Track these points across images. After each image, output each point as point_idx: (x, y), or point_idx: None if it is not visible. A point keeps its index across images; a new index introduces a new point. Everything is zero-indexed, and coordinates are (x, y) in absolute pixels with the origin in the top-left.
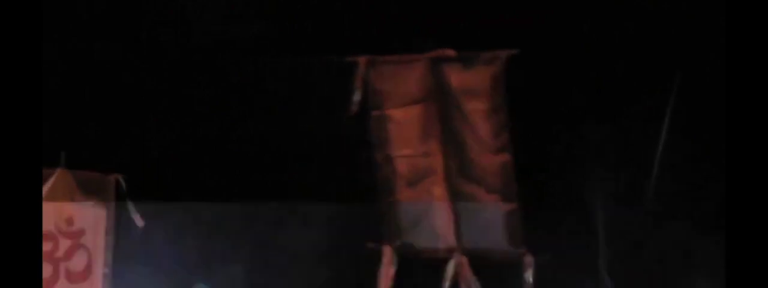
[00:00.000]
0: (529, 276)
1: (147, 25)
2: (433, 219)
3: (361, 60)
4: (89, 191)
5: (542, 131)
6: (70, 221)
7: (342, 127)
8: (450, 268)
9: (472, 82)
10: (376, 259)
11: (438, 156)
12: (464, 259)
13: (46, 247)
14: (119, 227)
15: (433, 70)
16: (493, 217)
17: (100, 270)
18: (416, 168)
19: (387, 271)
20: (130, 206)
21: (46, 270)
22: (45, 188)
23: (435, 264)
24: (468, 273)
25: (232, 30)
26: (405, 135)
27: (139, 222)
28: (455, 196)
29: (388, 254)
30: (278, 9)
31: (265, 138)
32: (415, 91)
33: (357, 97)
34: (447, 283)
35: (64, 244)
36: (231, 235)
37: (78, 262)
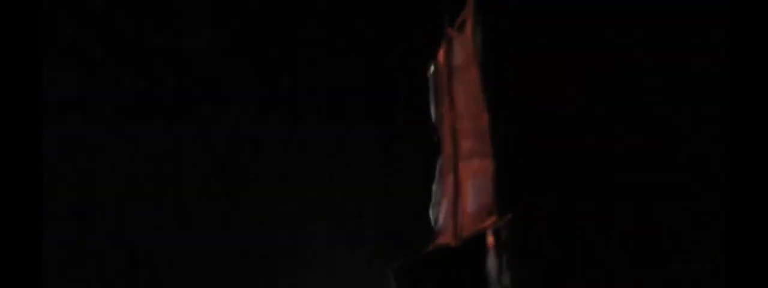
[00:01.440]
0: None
1: None
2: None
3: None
4: None
5: None
6: None
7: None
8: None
9: (469, 45)
10: None
11: (448, 142)
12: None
13: None
14: None
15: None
16: (488, 184)
17: None
18: (442, 163)
19: None
20: None
21: None
22: None
23: None
24: None
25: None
26: (443, 130)
27: None
28: (463, 179)
29: None
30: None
31: None
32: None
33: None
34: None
35: None
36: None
37: None
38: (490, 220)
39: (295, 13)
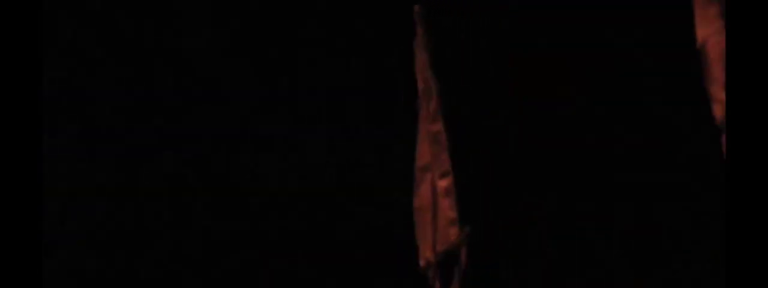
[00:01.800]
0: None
1: None
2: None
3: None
4: None
5: None
6: None
7: None
8: None
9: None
10: None
11: (426, 151)
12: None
13: None
14: None
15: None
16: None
17: None
18: (416, 172)
19: None
20: None
21: None
22: None
23: None
24: None
25: None
26: (420, 138)
27: None
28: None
29: None
30: None
31: None
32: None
33: None
34: None
35: None
36: None
37: None
38: (455, 235)
39: (295, 13)
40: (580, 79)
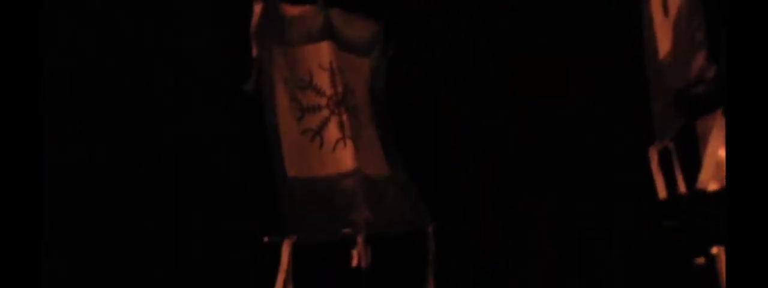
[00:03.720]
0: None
1: None
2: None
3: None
4: None
5: None
6: None
7: None
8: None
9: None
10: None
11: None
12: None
13: None
14: None
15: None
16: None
17: None
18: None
19: (283, 267)
20: None
21: None
22: None
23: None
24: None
25: None
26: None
27: None
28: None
29: (286, 249)
30: None
31: None
32: None
33: None
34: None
35: None
36: None
37: None
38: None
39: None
40: (580, 79)
